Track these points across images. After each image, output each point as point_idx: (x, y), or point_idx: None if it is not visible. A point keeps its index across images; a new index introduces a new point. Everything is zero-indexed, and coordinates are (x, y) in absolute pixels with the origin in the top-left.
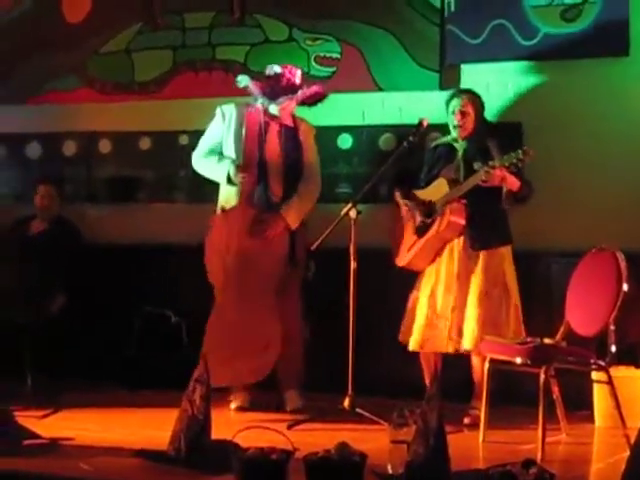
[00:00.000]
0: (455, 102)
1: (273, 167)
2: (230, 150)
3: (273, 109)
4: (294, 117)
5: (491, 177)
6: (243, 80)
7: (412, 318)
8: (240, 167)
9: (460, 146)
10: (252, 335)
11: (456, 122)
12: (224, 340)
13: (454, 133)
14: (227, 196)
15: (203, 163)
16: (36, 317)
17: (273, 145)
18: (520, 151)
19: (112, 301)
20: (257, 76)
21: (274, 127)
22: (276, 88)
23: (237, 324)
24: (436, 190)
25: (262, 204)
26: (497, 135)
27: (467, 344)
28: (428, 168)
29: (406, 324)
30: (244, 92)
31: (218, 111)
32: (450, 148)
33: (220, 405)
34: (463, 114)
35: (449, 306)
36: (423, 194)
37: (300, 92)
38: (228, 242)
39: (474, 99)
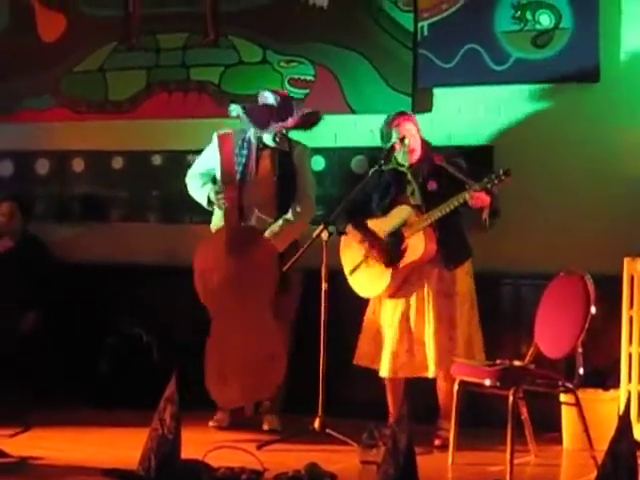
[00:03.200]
0: (396, 132)
1: (265, 190)
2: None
3: (267, 139)
4: (289, 140)
5: (473, 200)
6: (235, 110)
7: (373, 341)
8: (219, 190)
9: (408, 170)
10: (255, 350)
11: (411, 147)
12: (228, 362)
13: (404, 159)
14: (217, 219)
15: (190, 185)
16: (7, 335)
17: (265, 168)
18: (501, 170)
19: (84, 320)
20: (249, 104)
21: (266, 151)
22: (268, 116)
23: (238, 342)
24: (397, 217)
25: (251, 227)
26: (440, 153)
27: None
28: (379, 197)
29: (365, 346)
30: (217, 113)
31: (215, 137)
32: (397, 173)
33: (191, 424)
34: (410, 139)
35: (426, 330)
36: (381, 223)
37: (290, 120)
38: (216, 263)
39: (415, 120)
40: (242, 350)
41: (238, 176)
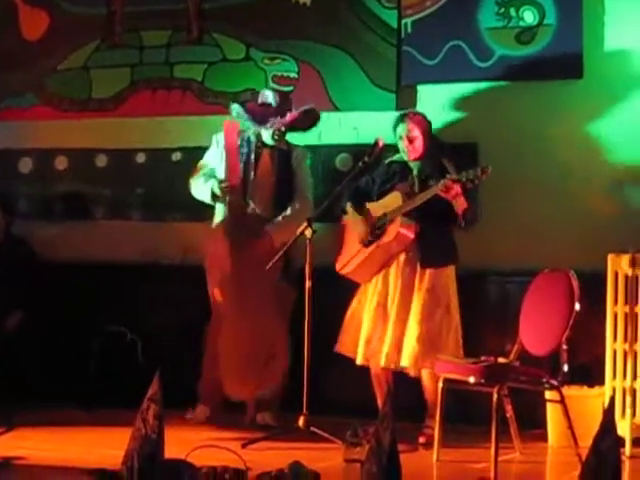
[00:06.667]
0: (401, 127)
1: (263, 189)
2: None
3: (266, 138)
4: (287, 142)
5: (448, 190)
6: (235, 109)
7: (354, 330)
8: (222, 180)
9: (414, 165)
10: (257, 346)
11: (404, 148)
12: (233, 356)
13: (405, 156)
14: (218, 213)
15: (194, 186)
16: None
17: (265, 167)
18: (479, 168)
19: (68, 319)
20: (249, 101)
21: (266, 150)
22: (267, 114)
23: (241, 337)
24: (389, 202)
25: (250, 223)
26: (450, 154)
27: (405, 361)
28: (381, 182)
29: (346, 335)
30: (201, 110)
31: (213, 139)
32: (405, 166)
33: (174, 424)
34: (410, 139)
35: (391, 320)
36: (375, 206)
37: (289, 115)
38: (221, 258)
39: (420, 121)
40: (244, 344)
41: (240, 174)
